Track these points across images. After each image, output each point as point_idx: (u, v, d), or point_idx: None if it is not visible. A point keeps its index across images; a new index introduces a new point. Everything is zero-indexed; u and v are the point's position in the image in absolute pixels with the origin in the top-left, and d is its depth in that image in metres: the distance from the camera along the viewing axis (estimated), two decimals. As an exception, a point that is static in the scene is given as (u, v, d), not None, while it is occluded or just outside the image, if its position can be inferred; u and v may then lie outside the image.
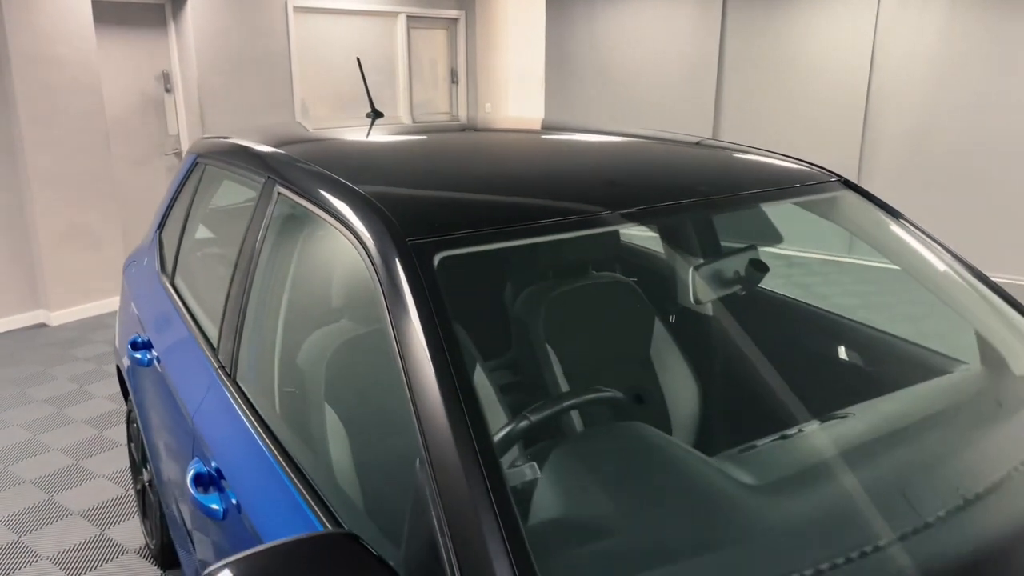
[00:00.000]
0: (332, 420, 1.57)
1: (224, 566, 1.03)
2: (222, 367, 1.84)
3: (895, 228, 1.90)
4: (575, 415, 1.83)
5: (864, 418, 1.51)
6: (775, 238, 2.00)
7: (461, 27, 8.27)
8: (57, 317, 5.34)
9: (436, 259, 1.33)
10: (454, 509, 1.04)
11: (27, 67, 4.94)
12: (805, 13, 6.83)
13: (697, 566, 1.10)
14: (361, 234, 1.39)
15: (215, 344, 1.91)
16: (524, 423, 1.42)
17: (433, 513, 1.07)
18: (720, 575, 1.09)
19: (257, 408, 1.67)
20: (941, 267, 1.86)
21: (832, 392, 1.94)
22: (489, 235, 1.40)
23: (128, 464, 3.49)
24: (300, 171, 1.71)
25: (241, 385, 1.74)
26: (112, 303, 5.57)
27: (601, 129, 2.28)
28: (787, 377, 1.96)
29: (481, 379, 1.66)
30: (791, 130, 7.11)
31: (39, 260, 5.24)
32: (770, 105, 7.19)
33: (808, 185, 1.89)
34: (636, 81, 7.85)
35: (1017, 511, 1.25)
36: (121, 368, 2.83)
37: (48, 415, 4.00)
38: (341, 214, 1.47)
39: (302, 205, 1.63)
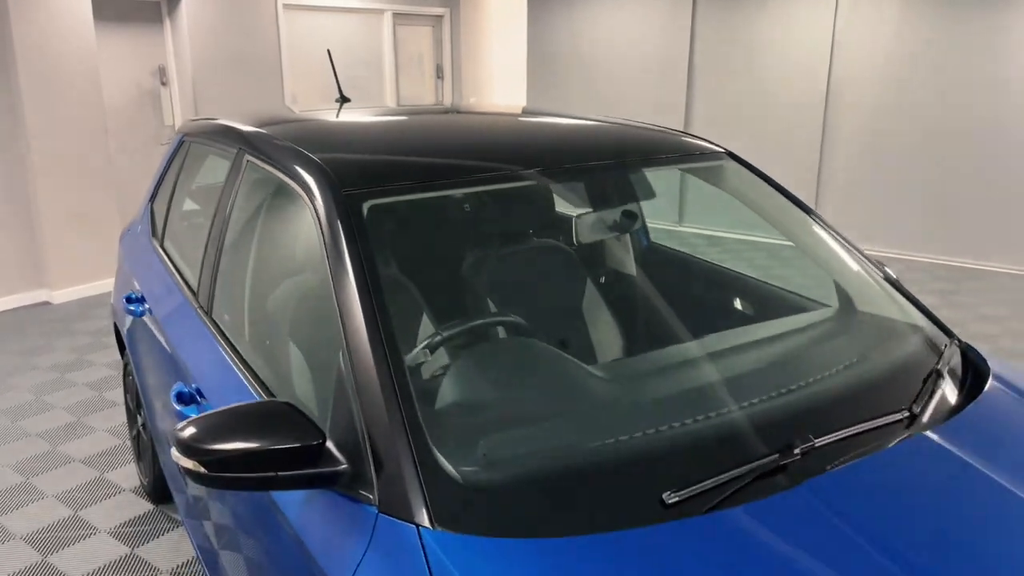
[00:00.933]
0: (292, 348, 1.92)
1: (191, 422, 1.38)
2: (201, 307, 2.19)
3: (770, 193, 2.25)
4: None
5: (720, 339, 1.87)
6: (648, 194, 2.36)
7: (446, 24, 8.61)
8: (59, 296, 5.69)
9: (366, 206, 1.68)
10: (364, 385, 1.40)
11: (31, 61, 5.28)
12: (768, 15, 7.17)
13: (545, 427, 1.46)
14: (309, 188, 1.74)
15: (195, 289, 2.26)
16: (438, 337, 1.77)
17: (350, 389, 1.43)
18: (561, 433, 1.45)
19: (230, 338, 2.02)
20: (808, 226, 2.21)
21: (718, 329, 2.29)
22: (411, 187, 1.75)
23: (125, 420, 3.84)
24: (264, 142, 2.06)
25: (216, 320, 2.10)
26: (111, 283, 5.93)
27: (536, 110, 2.63)
28: (686, 320, 2.31)
29: (412, 305, 2.00)
30: (757, 124, 7.45)
31: (42, 242, 5.59)
32: (737, 100, 7.53)
33: (702, 155, 2.25)
34: (613, 77, 8.19)
35: (820, 398, 1.60)
36: (119, 326, 3.18)
37: (52, 379, 4.36)
38: (294, 174, 1.82)
39: (265, 169, 1.98)
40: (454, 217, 2.39)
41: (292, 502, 1.50)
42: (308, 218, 1.73)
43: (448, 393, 1.60)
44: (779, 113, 7.30)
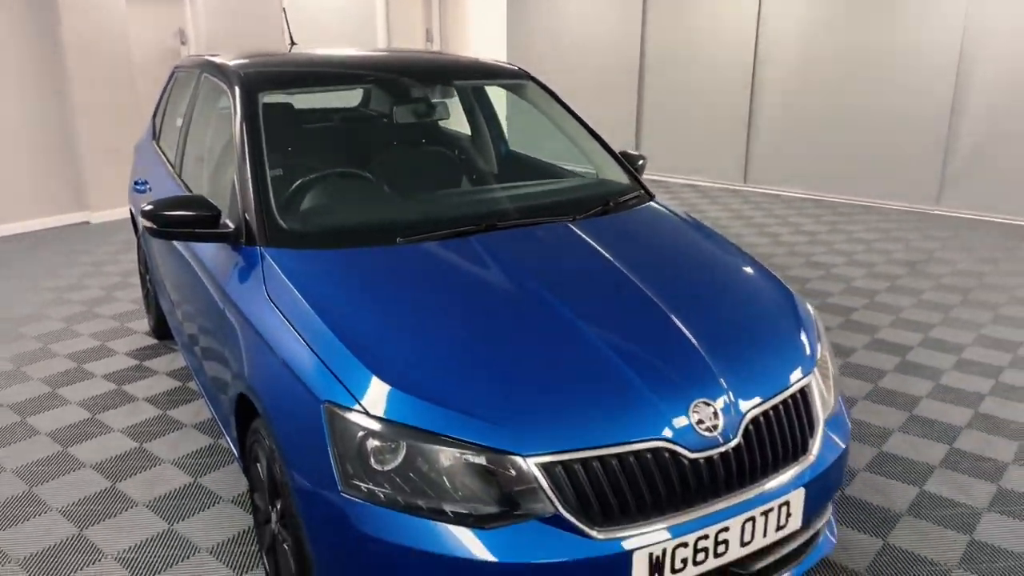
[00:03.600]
0: (216, 174, 3.04)
1: (150, 201, 2.53)
2: (176, 171, 3.37)
3: (555, 106, 3.35)
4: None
5: (499, 187, 2.99)
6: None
7: (435, -7, 9.68)
8: (97, 217, 6.96)
9: (261, 96, 2.83)
10: (243, 182, 2.54)
11: (73, 25, 6.51)
12: (702, 8, 8.13)
13: (340, 208, 2.61)
14: (232, 87, 2.89)
15: (173, 162, 3.45)
16: (307, 178, 2.91)
17: (237, 188, 2.57)
18: (349, 212, 2.60)
19: (188, 184, 3.20)
20: (575, 127, 3.31)
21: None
22: (292, 87, 2.90)
23: (141, 294, 5.06)
24: (212, 65, 3.21)
25: (183, 177, 3.27)
26: (139, 209, 7.19)
27: (415, 51, 3.75)
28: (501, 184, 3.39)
29: (287, 156, 3.14)
30: (697, 85, 8.43)
31: (83, 173, 6.85)
32: (681, 61, 8.51)
33: (512, 76, 3.36)
34: (579, 44, 9.20)
35: (520, 209, 2.71)
36: (133, 211, 4.38)
37: (89, 271, 5.62)
38: (225, 80, 2.97)
39: (212, 80, 3.14)
40: (328, 108, 3.57)
41: (209, 263, 2.66)
42: (229, 104, 2.88)
43: (292, 192, 2.77)
44: (715, 91, 8.26)
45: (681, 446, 1.88)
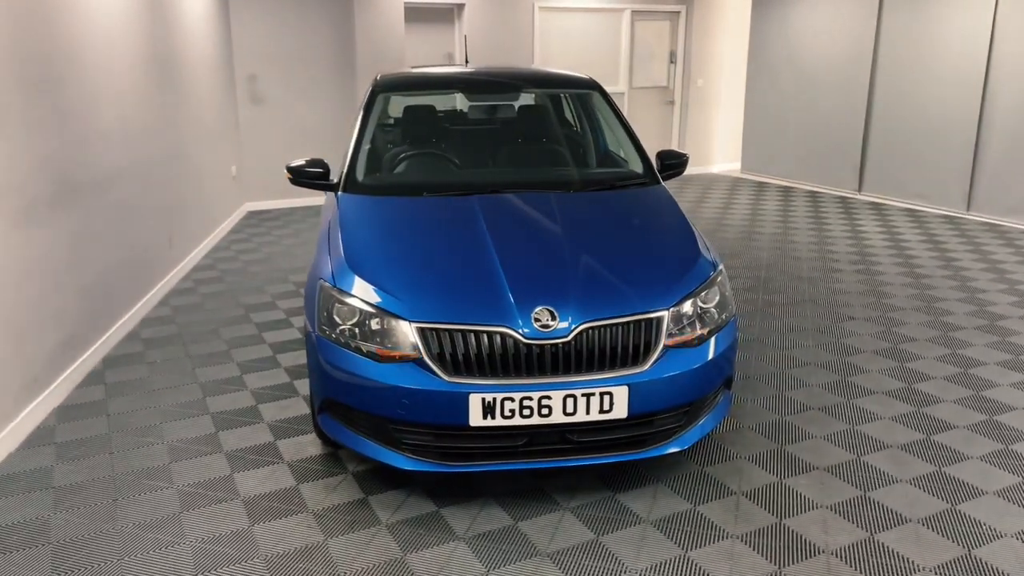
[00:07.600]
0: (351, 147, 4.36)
1: (294, 162, 3.88)
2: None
3: (611, 111, 4.15)
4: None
5: (547, 169, 3.93)
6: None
7: (682, 18, 10.42)
8: (367, 198, 8.92)
9: (381, 95, 4.08)
10: (348, 151, 3.80)
11: (364, 46, 8.48)
12: (933, 30, 7.89)
13: (401, 173, 3.75)
14: (368, 90, 4.18)
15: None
16: (401, 153, 4.07)
17: (347, 154, 3.83)
18: (407, 177, 3.72)
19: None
20: (623, 133, 4.09)
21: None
22: (408, 90, 4.13)
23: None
24: (375, 79, 4.55)
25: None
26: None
27: (517, 67, 4.78)
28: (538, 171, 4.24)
29: (394, 137, 4.32)
30: (924, 119, 8.17)
31: (362, 163, 8.83)
32: (912, 86, 8.30)
33: (582, 86, 4.26)
34: (810, 68, 9.34)
35: (535, 183, 3.63)
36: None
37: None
38: (371, 84, 4.27)
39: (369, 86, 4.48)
40: (436, 106, 4.71)
41: (324, 210, 3.94)
42: (364, 99, 4.17)
43: (382, 163, 3.96)
44: (944, 93, 7.96)
45: (519, 334, 2.70)
